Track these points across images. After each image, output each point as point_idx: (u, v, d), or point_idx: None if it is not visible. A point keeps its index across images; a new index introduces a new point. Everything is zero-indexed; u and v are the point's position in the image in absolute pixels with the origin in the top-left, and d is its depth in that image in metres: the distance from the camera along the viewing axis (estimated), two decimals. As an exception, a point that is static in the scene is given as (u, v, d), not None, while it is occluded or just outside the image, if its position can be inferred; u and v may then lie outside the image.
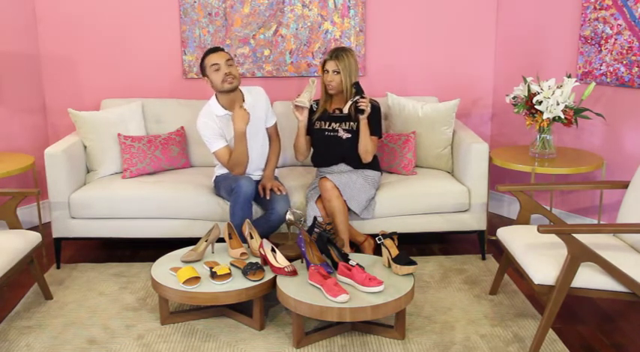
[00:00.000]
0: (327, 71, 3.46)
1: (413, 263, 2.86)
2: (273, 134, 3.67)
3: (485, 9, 4.34)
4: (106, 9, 4.20)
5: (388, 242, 2.99)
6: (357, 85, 3.42)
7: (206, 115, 3.48)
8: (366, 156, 3.49)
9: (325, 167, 3.59)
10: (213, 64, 3.36)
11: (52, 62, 4.26)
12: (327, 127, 3.54)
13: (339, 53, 3.44)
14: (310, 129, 3.58)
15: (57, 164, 3.50)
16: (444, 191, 3.61)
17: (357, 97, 3.38)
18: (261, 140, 3.59)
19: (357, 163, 3.53)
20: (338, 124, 3.53)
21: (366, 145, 3.46)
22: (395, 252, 2.93)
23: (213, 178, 3.64)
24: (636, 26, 3.53)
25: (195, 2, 4.19)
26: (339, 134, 3.51)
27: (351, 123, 3.50)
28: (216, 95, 3.50)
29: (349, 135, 3.50)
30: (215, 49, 3.43)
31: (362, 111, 3.38)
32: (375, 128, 3.51)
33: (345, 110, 3.44)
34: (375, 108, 3.52)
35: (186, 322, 2.97)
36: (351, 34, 4.29)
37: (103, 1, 4.18)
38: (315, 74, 4.32)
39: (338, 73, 3.43)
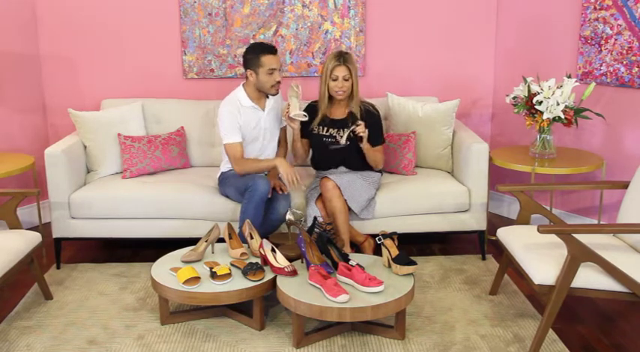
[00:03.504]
0: (337, 78, 3.36)
1: (413, 263, 2.86)
2: (283, 136, 3.68)
3: (485, 9, 4.34)
4: (106, 9, 4.20)
5: (388, 242, 2.99)
6: (350, 114, 3.32)
7: (231, 104, 3.45)
8: (378, 166, 3.51)
9: (325, 170, 3.59)
10: (271, 68, 3.33)
11: (52, 62, 4.26)
12: (325, 133, 3.51)
13: (347, 57, 3.35)
14: (308, 133, 3.54)
15: (57, 164, 3.50)
16: (444, 191, 3.61)
17: (352, 127, 3.30)
18: (276, 139, 3.61)
19: (356, 166, 3.52)
20: (336, 130, 3.49)
21: (375, 160, 3.46)
22: (395, 252, 2.93)
23: (219, 174, 3.62)
24: (636, 26, 3.53)
25: (195, 2, 4.19)
26: (338, 139, 3.48)
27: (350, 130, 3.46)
28: (244, 86, 3.48)
29: (348, 142, 3.45)
30: (274, 50, 3.35)
31: (361, 139, 3.34)
32: (378, 137, 3.50)
33: (343, 141, 3.40)
34: (375, 116, 3.49)
35: (186, 322, 2.97)
36: (351, 34, 4.29)
37: (103, 1, 4.19)
38: (315, 74, 4.32)
39: (348, 79, 3.36)
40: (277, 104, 3.59)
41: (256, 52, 3.34)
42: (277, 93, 3.47)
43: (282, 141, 3.70)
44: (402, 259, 2.87)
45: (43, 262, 3.65)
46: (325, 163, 3.57)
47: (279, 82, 3.40)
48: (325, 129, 3.51)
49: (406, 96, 4.08)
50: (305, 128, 3.53)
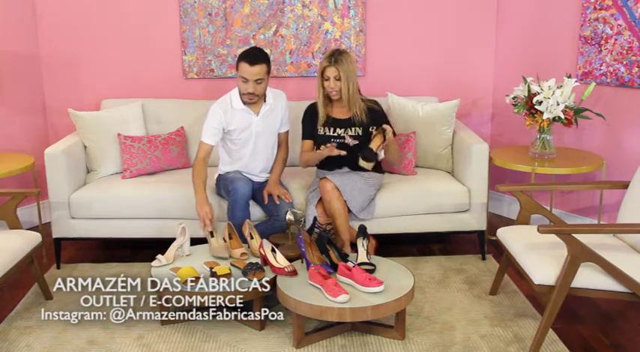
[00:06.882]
0: (328, 78, 3.36)
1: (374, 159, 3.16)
2: (283, 141, 3.63)
3: (485, 9, 4.34)
4: (106, 9, 4.20)
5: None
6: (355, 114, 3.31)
7: (222, 105, 3.44)
8: (397, 160, 3.54)
9: (328, 170, 3.57)
10: (243, 77, 3.30)
11: (52, 62, 4.26)
12: (332, 134, 3.49)
13: (337, 57, 3.33)
14: (313, 135, 3.53)
15: (57, 164, 3.50)
16: (444, 191, 3.61)
17: (383, 137, 3.19)
18: (272, 143, 3.56)
19: (359, 167, 3.49)
20: (343, 130, 3.47)
21: (398, 154, 3.48)
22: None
23: (216, 176, 3.62)
24: (636, 26, 3.53)
25: (195, 2, 4.19)
26: (346, 141, 3.46)
27: (357, 128, 3.46)
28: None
29: (356, 142, 3.45)
30: (253, 60, 3.27)
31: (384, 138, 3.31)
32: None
33: (351, 142, 3.43)
34: (379, 113, 3.49)
35: (186, 322, 2.97)
36: (351, 34, 4.29)
37: (103, 1, 4.18)
38: (315, 74, 4.32)
39: (339, 79, 3.34)
40: (275, 110, 3.52)
41: (240, 57, 3.33)
42: (250, 102, 3.40)
43: (282, 147, 3.63)
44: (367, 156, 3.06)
45: (43, 262, 3.65)
46: (330, 164, 3.52)
47: (250, 93, 3.33)
48: (332, 129, 3.49)
49: (406, 96, 4.07)
50: (308, 130, 3.53)
